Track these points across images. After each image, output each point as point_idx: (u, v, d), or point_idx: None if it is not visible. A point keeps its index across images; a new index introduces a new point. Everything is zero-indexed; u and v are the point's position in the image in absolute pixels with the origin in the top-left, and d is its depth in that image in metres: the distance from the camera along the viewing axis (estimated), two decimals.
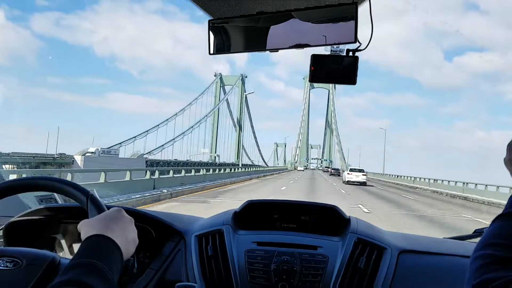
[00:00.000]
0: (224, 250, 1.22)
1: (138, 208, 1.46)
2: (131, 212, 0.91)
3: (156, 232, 1.29)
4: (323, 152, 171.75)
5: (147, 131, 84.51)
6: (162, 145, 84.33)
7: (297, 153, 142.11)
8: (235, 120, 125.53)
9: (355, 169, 34.17)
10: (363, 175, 31.78)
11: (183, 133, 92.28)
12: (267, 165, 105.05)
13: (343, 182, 32.24)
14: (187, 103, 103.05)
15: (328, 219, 1.40)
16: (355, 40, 1.06)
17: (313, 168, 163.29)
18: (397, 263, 1.21)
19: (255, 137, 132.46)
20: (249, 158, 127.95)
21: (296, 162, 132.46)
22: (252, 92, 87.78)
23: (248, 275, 1.17)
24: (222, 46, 1.19)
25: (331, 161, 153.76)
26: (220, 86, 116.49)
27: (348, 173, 32.94)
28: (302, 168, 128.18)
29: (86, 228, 0.75)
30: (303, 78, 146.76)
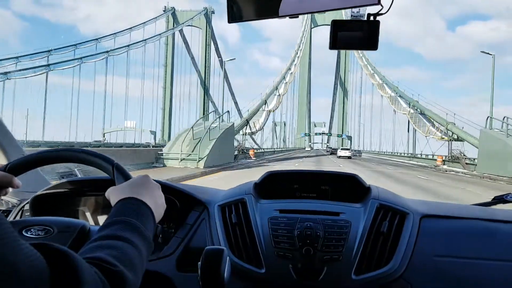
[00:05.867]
0: (248, 218, 1.25)
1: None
2: (155, 181, 0.94)
3: (180, 202, 1.32)
4: (330, 126, 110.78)
5: None
6: None
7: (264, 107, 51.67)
8: (201, 81, 74.14)
9: (344, 148, 55.36)
10: (349, 151, 50.45)
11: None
12: (260, 148, 60.03)
13: (337, 157, 47.77)
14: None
15: (348, 187, 1.42)
16: (379, 3, 1.04)
17: (317, 148, 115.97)
18: (419, 228, 1.22)
19: (239, 110, 70.94)
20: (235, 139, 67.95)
21: (253, 132, 45.96)
22: (234, 59, 42.60)
23: (272, 240, 1.19)
24: (241, 14, 1.17)
25: (349, 137, 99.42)
26: (174, 27, 67.01)
27: (339, 151, 51.72)
28: (308, 149, 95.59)
29: (116, 193, 0.75)
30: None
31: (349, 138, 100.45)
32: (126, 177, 0.85)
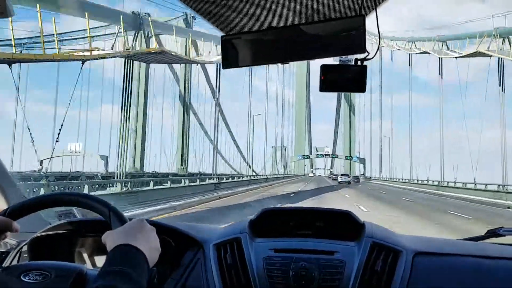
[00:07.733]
0: (243, 258, 1.25)
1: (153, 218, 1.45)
2: (150, 222, 0.97)
3: (175, 242, 1.32)
4: (334, 149, 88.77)
5: None
6: None
7: None
8: (180, 96, 55.50)
9: (343, 174, 59.41)
10: (348, 177, 55.26)
11: None
12: (257, 174, 60.38)
13: (338, 182, 51.43)
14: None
15: (343, 224, 1.43)
16: (365, 50, 1.10)
17: (319, 174, 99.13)
18: (412, 265, 1.23)
19: (230, 132, 66.51)
20: (229, 165, 68.78)
21: None
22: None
23: (267, 281, 1.19)
24: (235, 61, 1.23)
25: (362, 160, 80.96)
26: (149, 36, 40.39)
27: (339, 177, 56.12)
28: (311, 175, 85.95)
29: (111, 239, 0.79)
30: None
31: (362, 161, 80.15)
32: (122, 220, 0.87)
